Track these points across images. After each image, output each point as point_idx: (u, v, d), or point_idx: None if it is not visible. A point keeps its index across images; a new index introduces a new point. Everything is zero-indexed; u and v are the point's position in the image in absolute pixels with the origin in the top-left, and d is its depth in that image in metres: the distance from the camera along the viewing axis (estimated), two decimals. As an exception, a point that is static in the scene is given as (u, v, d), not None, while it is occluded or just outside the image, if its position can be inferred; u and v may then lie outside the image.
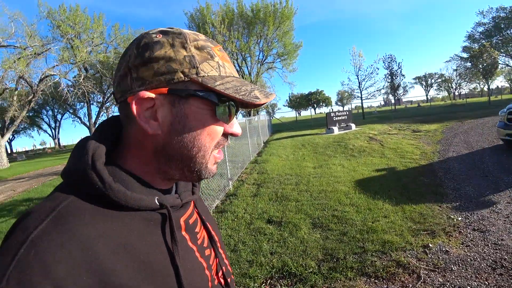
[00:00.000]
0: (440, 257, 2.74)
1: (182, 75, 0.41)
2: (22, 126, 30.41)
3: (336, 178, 5.80)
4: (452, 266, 2.58)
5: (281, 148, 9.99)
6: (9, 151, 31.14)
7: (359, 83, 18.69)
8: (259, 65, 22.88)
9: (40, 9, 19.26)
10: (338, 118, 12.18)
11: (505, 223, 3.21)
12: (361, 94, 19.39)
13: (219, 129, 0.45)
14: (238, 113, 0.54)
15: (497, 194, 4.05)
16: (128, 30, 23.64)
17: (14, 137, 34.37)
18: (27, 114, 22.26)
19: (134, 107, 0.40)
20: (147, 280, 0.38)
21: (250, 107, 0.48)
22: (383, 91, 19.90)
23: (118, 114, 0.48)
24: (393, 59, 22.20)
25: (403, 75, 22.31)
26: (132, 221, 0.40)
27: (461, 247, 2.87)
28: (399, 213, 3.80)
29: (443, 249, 2.86)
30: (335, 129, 11.73)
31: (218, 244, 0.58)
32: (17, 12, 17.30)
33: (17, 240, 0.32)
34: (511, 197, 3.85)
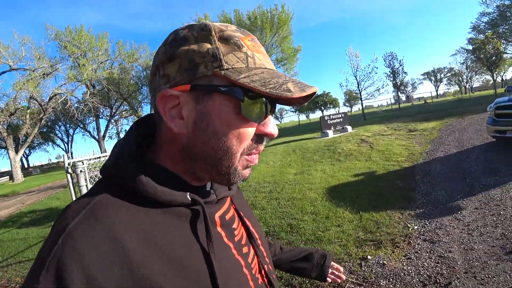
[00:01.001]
0: (373, 271, 2.54)
1: (204, 69, 0.38)
2: (37, 142, 32.07)
3: (310, 185, 5.60)
4: (381, 280, 2.38)
5: (271, 155, 9.83)
6: (26, 166, 32.89)
7: (357, 83, 18.24)
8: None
9: (48, 32, 20.35)
10: (333, 121, 11.86)
11: (461, 232, 2.94)
12: (361, 95, 18.90)
13: (247, 129, 0.40)
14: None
15: (468, 198, 3.74)
16: (132, 45, 24.46)
17: (31, 152, 36.35)
18: (40, 131, 23.41)
19: (159, 106, 0.40)
20: (177, 275, 0.37)
21: (283, 103, 0.44)
22: (382, 90, 19.28)
23: (148, 113, 0.50)
24: (394, 56, 21.64)
25: (405, 72, 21.63)
26: (163, 216, 0.40)
27: (401, 260, 2.64)
28: (355, 221, 3.59)
29: (380, 262, 2.65)
30: (330, 133, 11.44)
31: (259, 242, 0.55)
32: (26, 36, 18.36)
33: (56, 232, 0.34)
34: (480, 202, 3.54)
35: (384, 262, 2.65)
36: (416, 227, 3.22)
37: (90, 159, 4.19)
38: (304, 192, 5.19)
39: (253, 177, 7.08)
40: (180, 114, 0.40)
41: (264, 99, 0.40)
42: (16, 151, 19.61)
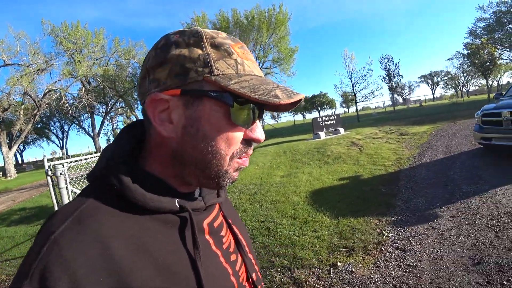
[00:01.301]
0: (341, 278, 2.53)
1: (195, 74, 0.38)
2: (32, 138, 31.83)
3: (295, 188, 5.59)
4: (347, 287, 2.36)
5: (262, 156, 9.81)
6: (20, 162, 32.63)
7: (352, 86, 18.22)
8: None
9: (44, 27, 20.17)
10: (326, 123, 11.85)
11: (434, 241, 2.93)
12: (355, 97, 18.86)
13: (236, 134, 0.41)
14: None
15: (446, 206, 3.73)
16: (129, 42, 24.31)
17: (25, 148, 36.06)
18: (34, 126, 23.24)
19: (149, 109, 0.40)
20: (165, 282, 0.37)
21: (270, 109, 0.45)
22: (377, 92, 19.22)
23: (137, 119, 0.50)
24: (390, 59, 21.63)
25: (401, 75, 21.65)
26: (151, 223, 0.40)
27: (370, 268, 2.63)
28: (332, 227, 3.58)
29: (349, 269, 2.64)
30: (322, 134, 11.43)
31: (247, 249, 0.55)
32: (21, 31, 18.18)
33: (42, 239, 0.34)
34: (458, 210, 3.53)
35: (353, 269, 2.63)
36: (390, 235, 3.21)
37: (70, 162, 4.18)
38: (287, 195, 5.17)
39: (240, 178, 7.06)
40: (170, 118, 0.40)
41: (252, 105, 0.41)
42: (10, 147, 19.47)
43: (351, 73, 17.84)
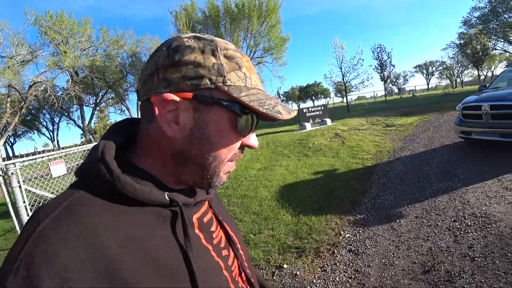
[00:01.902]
0: (283, 281, 2.38)
1: (208, 82, 0.40)
2: (22, 130, 31.28)
3: (268, 182, 5.39)
4: (284, 297, 2.18)
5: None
6: (10, 155, 32.21)
7: (342, 75, 17.80)
8: (247, 60, 22.35)
9: (28, 17, 19.47)
10: (312, 113, 11.57)
11: (390, 244, 2.74)
12: (345, 87, 18.45)
13: (237, 140, 0.45)
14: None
15: (413, 205, 3.53)
16: (117, 31, 23.67)
17: (16, 141, 35.50)
18: (23, 119, 22.79)
19: (156, 107, 0.40)
20: (156, 275, 0.36)
21: (270, 121, 0.47)
22: (367, 82, 18.81)
23: (127, 117, 0.52)
24: (383, 49, 21.10)
25: (393, 65, 21.13)
26: (141, 216, 0.40)
27: (315, 272, 2.46)
28: (291, 225, 3.39)
29: (294, 272, 2.47)
30: (308, 125, 11.16)
31: (238, 246, 0.55)
32: (3, 22, 17.51)
33: (26, 233, 0.33)
34: (423, 210, 3.34)
35: (298, 272, 2.46)
36: (347, 235, 3.02)
37: (23, 161, 4.12)
38: (258, 190, 4.97)
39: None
40: (177, 119, 0.41)
41: (254, 116, 0.44)
42: (-4, 140, 19.11)
43: (341, 62, 17.41)
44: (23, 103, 19.39)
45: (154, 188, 0.42)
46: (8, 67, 17.10)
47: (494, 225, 2.68)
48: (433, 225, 2.93)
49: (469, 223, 2.81)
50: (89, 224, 0.34)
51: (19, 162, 3.86)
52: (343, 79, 17.94)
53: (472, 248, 2.40)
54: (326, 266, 2.52)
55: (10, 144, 34.24)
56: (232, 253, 0.52)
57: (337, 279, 2.31)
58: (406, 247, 2.63)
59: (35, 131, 33.80)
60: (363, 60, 17.96)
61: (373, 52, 21.17)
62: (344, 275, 2.36)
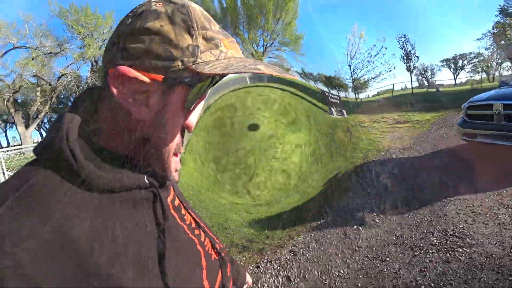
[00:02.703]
0: None
1: (180, 64, 0.37)
2: (55, 118, 33.43)
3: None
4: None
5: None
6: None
7: (351, 73, 16.92)
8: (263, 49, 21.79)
9: (51, 8, 20.45)
10: (334, 100, 11.21)
11: (330, 255, 2.53)
12: (353, 83, 17.63)
13: (181, 118, 0.42)
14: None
15: (380, 216, 3.23)
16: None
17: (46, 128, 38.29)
18: (56, 106, 24.41)
19: (114, 82, 0.36)
20: (126, 263, 0.34)
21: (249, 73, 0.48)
22: (386, 75, 17.61)
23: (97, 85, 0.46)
24: (407, 39, 19.71)
25: (417, 57, 19.78)
26: (112, 198, 0.37)
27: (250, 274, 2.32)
28: (257, 226, 3.31)
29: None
30: (334, 112, 10.68)
31: (206, 229, 0.57)
32: (28, 14, 18.58)
33: None
34: (398, 223, 3.05)
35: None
36: (299, 239, 2.84)
37: (7, 151, 4.38)
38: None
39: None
40: (147, 101, 0.38)
41: (205, 83, 0.40)
42: (27, 127, 20.65)
43: (353, 57, 16.47)
44: (52, 93, 20.72)
45: (129, 172, 0.39)
46: (33, 59, 18.17)
47: (467, 249, 2.22)
48: (399, 244, 2.62)
49: (435, 241, 2.48)
50: (55, 210, 0.31)
51: (3, 152, 4.10)
52: (351, 76, 17.12)
53: (424, 273, 2.11)
54: (259, 268, 2.39)
55: (46, 130, 36.99)
56: (203, 233, 0.53)
57: (267, 285, 2.17)
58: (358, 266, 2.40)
59: (65, 119, 36.09)
60: (386, 48, 16.87)
61: (398, 41, 19.88)
62: (275, 280, 2.21)
